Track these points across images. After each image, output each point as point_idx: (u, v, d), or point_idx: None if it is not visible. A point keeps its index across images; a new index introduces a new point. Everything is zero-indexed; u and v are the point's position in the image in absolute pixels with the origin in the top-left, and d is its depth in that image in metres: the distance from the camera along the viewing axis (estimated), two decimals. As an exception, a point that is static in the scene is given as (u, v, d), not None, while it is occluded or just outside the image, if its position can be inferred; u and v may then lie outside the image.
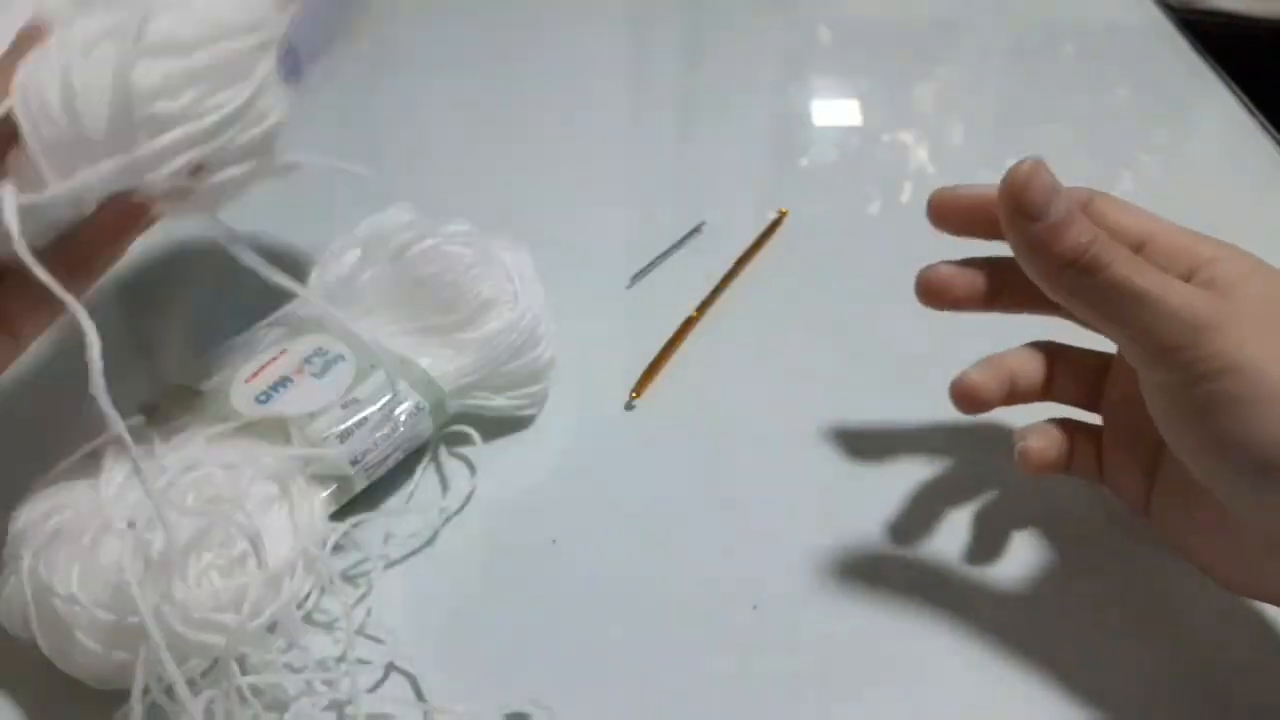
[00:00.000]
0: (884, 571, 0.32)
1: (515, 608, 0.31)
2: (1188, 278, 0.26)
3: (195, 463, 0.29)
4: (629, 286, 0.44)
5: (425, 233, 0.36)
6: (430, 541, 0.32)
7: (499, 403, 0.35)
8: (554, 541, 0.32)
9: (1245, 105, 0.59)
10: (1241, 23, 0.90)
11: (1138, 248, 0.27)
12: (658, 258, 0.45)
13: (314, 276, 0.38)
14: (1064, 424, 0.31)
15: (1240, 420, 0.24)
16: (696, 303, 0.42)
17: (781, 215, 0.48)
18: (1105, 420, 0.31)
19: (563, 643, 0.30)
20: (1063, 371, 0.32)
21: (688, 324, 0.41)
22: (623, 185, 0.54)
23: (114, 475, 0.28)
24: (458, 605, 0.31)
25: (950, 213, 0.31)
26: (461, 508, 0.34)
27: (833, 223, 0.49)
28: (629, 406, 0.38)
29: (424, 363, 0.34)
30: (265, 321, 0.35)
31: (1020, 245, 0.27)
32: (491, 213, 0.50)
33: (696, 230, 0.47)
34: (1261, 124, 0.57)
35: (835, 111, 0.61)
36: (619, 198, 0.52)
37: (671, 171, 0.56)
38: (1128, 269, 0.25)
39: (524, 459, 0.36)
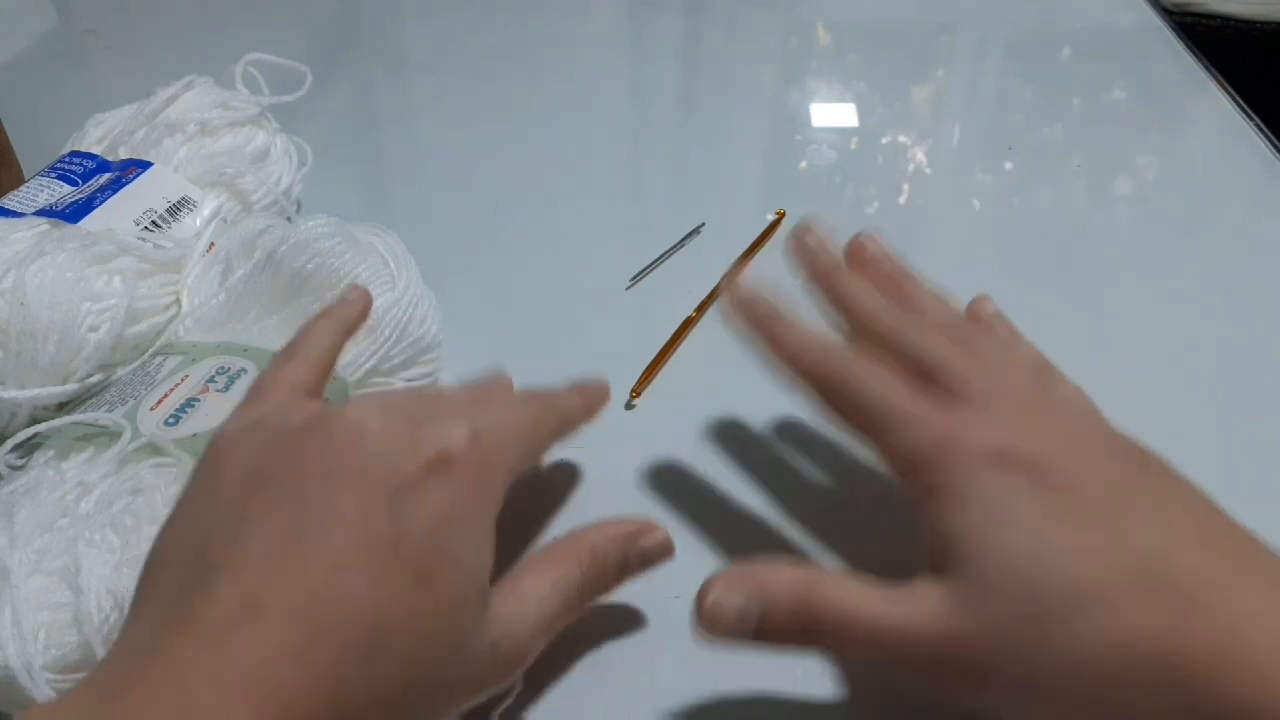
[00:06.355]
0: (886, 568, 0.32)
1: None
2: None
3: (110, 491, 0.29)
4: (629, 287, 0.44)
5: (288, 232, 0.36)
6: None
7: (398, 385, 0.36)
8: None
9: (1240, 107, 0.59)
10: (1236, 25, 0.90)
11: None
12: (657, 259, 0.46)
13: (184, 299, 0.38)
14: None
15: None
16: (696, 303, 0.42)
17: (780, 216, 0.48)
18: None
19: (557, 639, 0.30)
20: None
21: (687, 324, 0.41)
22: (622, 186, 0.54)
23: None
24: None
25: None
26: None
27: (830, 224, 0.49)
28: (629, 406, 0.38)
29: None
30: (151, 351, 0.36)
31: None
32: (491, 213, 0.50)
33: (696, 231, 0.48)
34: (1257, 126, 0.57)
35: (833, 113, 0.61)
36: (619, 198, 0.53)
37: (671, 173, 0.56)
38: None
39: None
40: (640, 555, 0.28)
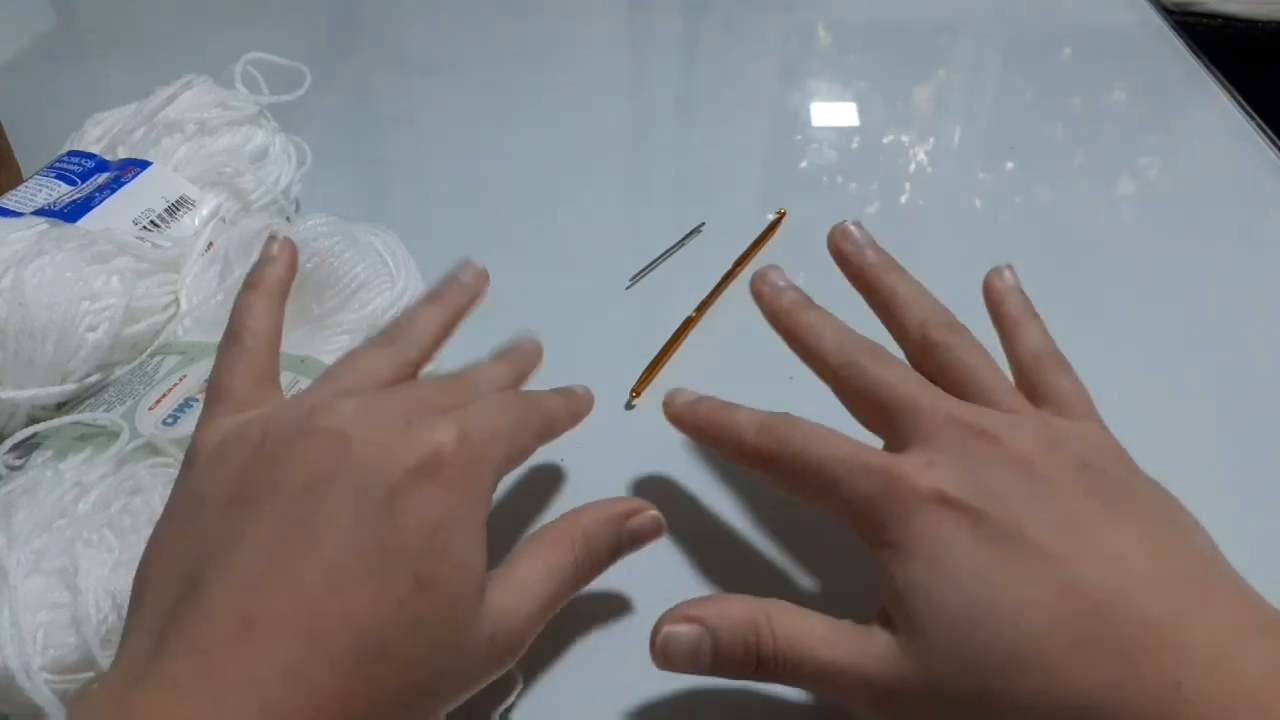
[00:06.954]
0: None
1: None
2: None
3: (109, 491, 0.29)
4: (629, 287, 0.44)
5: (287, 232, 0.36)
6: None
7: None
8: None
9: (1241, 107, 0.59)
10: (1237, 25, 0.90)
11: None
12: (657, 258, 0.46)
13: (183, 299, 0.37)
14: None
15: None
16: (696, 303, 0.42)
17: (780, 216, 0.48)
18: None
19: (557, 640, 0.30)
20: None
21: (687, 324, 0.41)
22: (623, 186, 0.54)
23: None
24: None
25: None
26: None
27: (831, 224, 0.49)
28: (629, 406, 0.38)
29: (326, 357, 0.34)
30: (150, 351, 0.36)
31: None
32: (492, 213, 0.50)
33: (696, 231, 0.47)
34: (1257, 126, 0.57)
35: (834, 112, 0.61)
36: (619, 198, 0.52)
37: (671, 172, 0.56)
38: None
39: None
40: (632, 535, 0.28)
